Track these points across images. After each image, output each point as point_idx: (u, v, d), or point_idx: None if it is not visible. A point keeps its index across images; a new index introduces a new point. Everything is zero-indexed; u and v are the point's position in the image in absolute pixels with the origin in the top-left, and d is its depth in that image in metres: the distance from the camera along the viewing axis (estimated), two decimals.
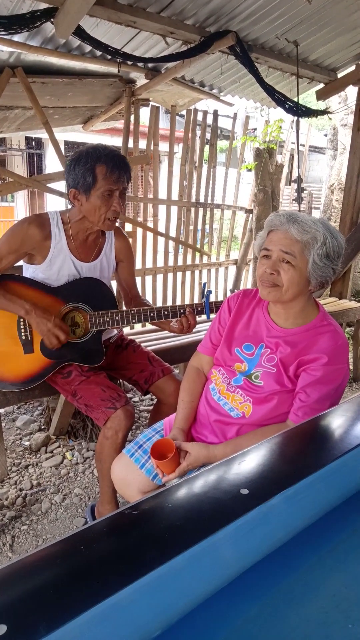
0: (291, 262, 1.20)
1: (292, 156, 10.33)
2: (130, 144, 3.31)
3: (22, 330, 1.75)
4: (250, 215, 4.20)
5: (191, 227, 3.92)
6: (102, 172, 1.59)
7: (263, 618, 0.44)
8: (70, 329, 1.77)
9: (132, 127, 3.31)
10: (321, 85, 3.52)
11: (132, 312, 1.73)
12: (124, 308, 1.94)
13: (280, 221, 1.22)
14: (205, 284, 3.62)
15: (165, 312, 1.74)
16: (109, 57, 2.64)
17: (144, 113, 3.68)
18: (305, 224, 1.19)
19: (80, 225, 1.74)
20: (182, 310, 1.73)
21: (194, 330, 1.77)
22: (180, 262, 3.88)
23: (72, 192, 1.65)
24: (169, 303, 3.86)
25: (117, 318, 1.73)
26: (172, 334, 1.78)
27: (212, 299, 1.76)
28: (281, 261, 1.21)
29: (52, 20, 2.15)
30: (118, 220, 1.79)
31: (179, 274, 3.90)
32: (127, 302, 2.01)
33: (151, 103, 3.53)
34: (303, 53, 3.09)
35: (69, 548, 0.45)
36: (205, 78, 3.32)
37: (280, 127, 4.21)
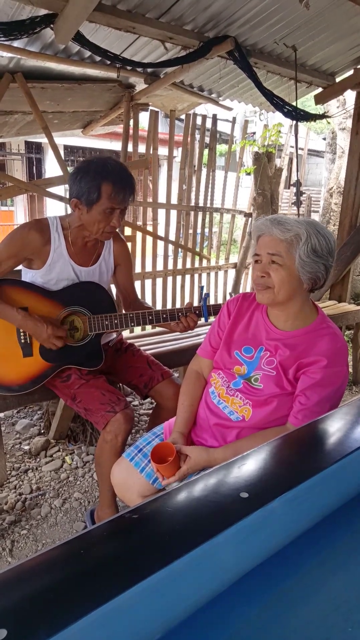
0: (278, 262, 1.22)
1: (291, 160, 10.33)
2: (130, 148, 3.32)
3: (22, 334, 1.75)
4: (250, 218, 4.21)
5: (190, 231, 3.93)
6: (108, 192, 1.59)
7: (263, 621, 0.44)
8: (69, 332, 1.77)
9: (131, 131, 3.33)
10: (319, 90, 3.54)
11: (131, 315, 1.74)
12: (123, 312, 1.94)
13: (265, 225, 1.26)
14: (202, 287, 3.61)
15: (164, 316, 1.74)
16: (108, 62, 2.65)
17: (143, 117, 3.70)
18: (287, 224, 1.22)
19: (80, 232, 1.74)
20: (180, 314, 1.74)
21: (193, 333, 1.78)
22: (179, 266, 3.89)
23: (74, 201, 1.65)
24: (169, 306, 3.86)
25: (115, 321, 1.73)
26: (171, 337, 1.78)
27: (212, 302, 1.77)
28: (270, 263, 1.24)
29: (51, 26, 2.16)
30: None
31: (179, 278, 3.91)
32: (126, 307, 2.01)
33: (150, 107, 3.54)
34: (301, 58, 3.11)
35: (68, 552, 0.45)
36: (204, 83, 3.34)
37: (279, 131, 4.23)
